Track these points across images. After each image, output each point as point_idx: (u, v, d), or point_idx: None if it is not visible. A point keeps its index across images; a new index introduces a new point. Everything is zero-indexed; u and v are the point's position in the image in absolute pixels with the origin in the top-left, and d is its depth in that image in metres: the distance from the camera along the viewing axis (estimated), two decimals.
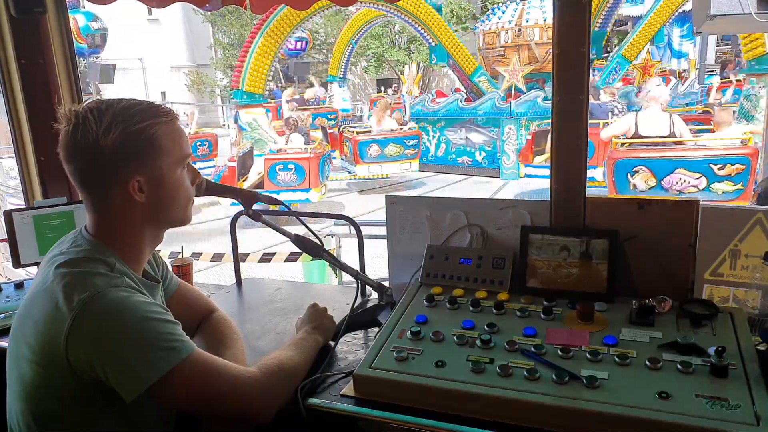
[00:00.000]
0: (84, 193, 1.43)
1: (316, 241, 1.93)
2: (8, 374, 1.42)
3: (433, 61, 16.20)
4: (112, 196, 1.40)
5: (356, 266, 2.15)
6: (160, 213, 1.47)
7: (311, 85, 20.98)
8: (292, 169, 10.68)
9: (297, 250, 1.96)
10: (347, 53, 18.94)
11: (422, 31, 15.20)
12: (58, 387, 1.33)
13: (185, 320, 1.65)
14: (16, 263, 2.33)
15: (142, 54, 26.89)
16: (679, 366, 1.43)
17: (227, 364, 1.44)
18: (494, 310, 1.78)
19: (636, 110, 9.26)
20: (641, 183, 8.26)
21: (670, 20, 14.16)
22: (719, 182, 8.03)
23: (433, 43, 15.36)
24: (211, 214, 10.70)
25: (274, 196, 1.88)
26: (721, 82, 15.96)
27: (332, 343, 1.82)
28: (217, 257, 5.50)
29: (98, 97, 10.09)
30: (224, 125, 27.16)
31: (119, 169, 1.37)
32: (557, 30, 1.88)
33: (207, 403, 1.39)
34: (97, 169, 1.37)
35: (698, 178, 8.09)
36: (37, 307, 1.35)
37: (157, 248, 1.61)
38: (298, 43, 19.83)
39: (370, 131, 13.30)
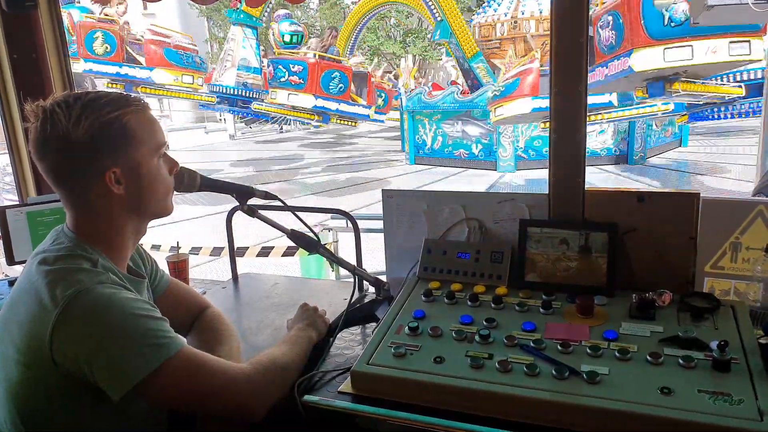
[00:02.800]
0: (61, 190, 1.41)
1: (312, 236, 1.91)
2: None
3: (437, 37, 16.05)
4: (90, 190, 1.38)
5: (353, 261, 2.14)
6: (140, 205, 1.45)
7: None
8: None
9: (294, 244, 1.94)
10: None
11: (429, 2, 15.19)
12: (44, 386, 1.31)
13: (177, 318, 1.63)
14: (10, 260, 2.31)
15: None
16: (680, 360, 1.42)
17: (218, 360, 1.42)
18: (493, 305, 1.77)
19: None
20: None
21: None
22: None
23: (438, 18, 15.33)
24: None
25: (270, 191, 1.85)
26: None
27: (330, 339, 1.80)
28: (217, 251, 5.47)
29: None
30: (221, 119, 27.10)
31: (93, 161, 1.35)
32: (555, 21, 1.86)
33: (197, 400, 1.37)
34: (70, 163, 1.35)
35: None
36: (21, 306, 1.33)
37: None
38: (294, 37, 19.66)
39: None
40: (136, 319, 1.30)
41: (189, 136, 24.15)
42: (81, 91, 1.40)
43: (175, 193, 1.55)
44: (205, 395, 1.36)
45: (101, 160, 1.35)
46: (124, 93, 1.43)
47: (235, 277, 2.49)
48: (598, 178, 12.56)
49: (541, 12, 14.39)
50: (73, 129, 1.31)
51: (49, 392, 1.32)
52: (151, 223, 1.55)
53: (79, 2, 15.63)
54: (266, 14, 17.35)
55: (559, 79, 1.88)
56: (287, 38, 19.26)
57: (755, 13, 3.85)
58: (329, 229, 5.27)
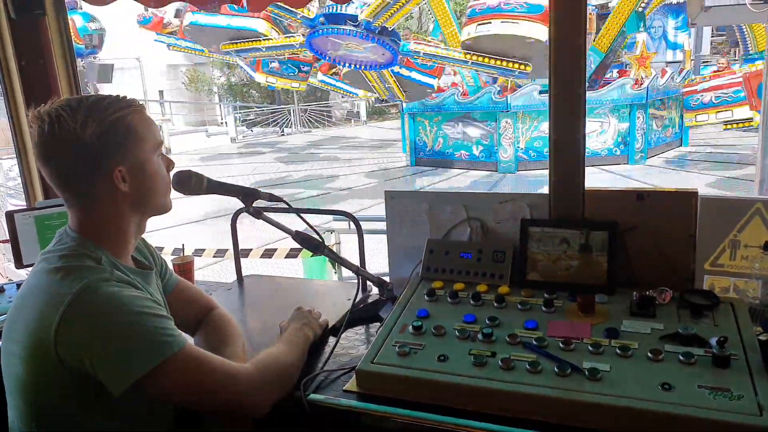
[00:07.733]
0: (66, 192, 1.43)
1: (317, 237, 1.93)
2: (4, 373, 1.42)
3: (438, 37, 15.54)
4: (98, 190, 1.41)
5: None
6: (144, 201, 1.48)
7: None
8: None
9: (297, 246, 1.96)
10: None
11: None
12: (50, 382, 1.33)
13: (184, 317, 1.67)
14: (19, 264, 2.33)
15: (139, 53, 26.76)
16: (680, 357, 1.44)
17: (219, 359, 1.44)
18: (495, 304, 1.78)
19: None
20: None
21: (642, 6, 13.67)
22: None
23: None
24: None
25: (275, 193, 1.87)
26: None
27: (329, 339, 1.83)
28: (220, 253, 5.50)
29: None
30: (222, 123, 27.12)
31: (103, 161, 1.38)
32: (554, 21, 1.88)
33: (200, 397, 1.39)
34: (78, 165, 1.38)
35: None
36: (28, 304, 1.36)
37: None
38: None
39: None
40: (139, 317, 1.32)
41: (190, 139, 24.18)
42: (80, 95, 1.43)
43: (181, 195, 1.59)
44: (207, 391, 1.39)
45: (109, 159, 1.39)
46: (121, 95, 1.47)
47: (240, 278, 2.51)
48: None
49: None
50: (81, 131, 1.34)
51: (53, 388, 1.34)
52: (154, 225, 1.59)
53: (82, 8, 15.67)
54: None
55: (558, 79, 1.90)
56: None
57: (753, 13, 3.88)
58: (331, 231, 5.30)
